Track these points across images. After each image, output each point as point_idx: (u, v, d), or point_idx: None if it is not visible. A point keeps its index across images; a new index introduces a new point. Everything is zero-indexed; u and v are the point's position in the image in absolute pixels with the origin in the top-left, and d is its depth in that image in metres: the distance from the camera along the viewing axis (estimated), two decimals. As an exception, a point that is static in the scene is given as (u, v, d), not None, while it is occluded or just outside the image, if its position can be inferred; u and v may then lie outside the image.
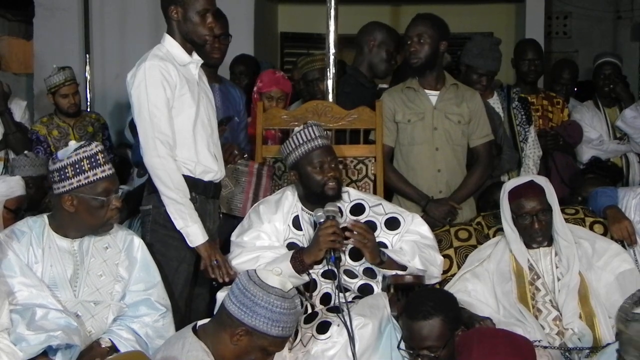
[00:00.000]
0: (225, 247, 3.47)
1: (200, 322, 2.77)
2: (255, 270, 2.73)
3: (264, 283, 2.64)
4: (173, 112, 3.24)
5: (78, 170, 2.96)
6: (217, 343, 2.65)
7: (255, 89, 4.52)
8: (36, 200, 4.28)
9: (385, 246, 3.39)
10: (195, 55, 3.37)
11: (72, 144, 3.05)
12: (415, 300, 2.95)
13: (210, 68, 3.86)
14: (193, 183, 3.29)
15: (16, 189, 3.82)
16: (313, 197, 3.39)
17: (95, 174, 2.97)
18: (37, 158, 4.39)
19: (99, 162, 2.98)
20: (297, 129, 3.45)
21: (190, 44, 3.32)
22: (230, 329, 2.64)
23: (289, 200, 3.46)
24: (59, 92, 4.98)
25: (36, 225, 3.09)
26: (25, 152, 4.48)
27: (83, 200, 2.99)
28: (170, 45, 3.31)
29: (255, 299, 2.61)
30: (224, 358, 2.65)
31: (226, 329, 2.64)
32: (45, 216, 3.15)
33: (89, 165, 2.96)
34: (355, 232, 3.24)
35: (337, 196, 3.38)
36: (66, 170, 2.97)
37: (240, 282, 2.67)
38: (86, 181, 2.97)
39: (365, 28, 4.53)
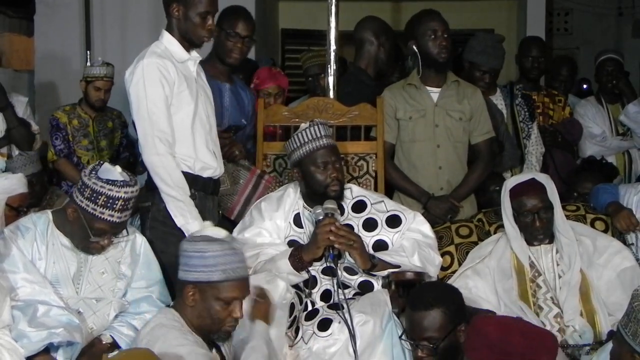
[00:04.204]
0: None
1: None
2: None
3: (192, 236, 2.69)
4: (172, 109, 3.24)
5: (93, 198, 2.96)
6: (183, 314, 2.69)
7: (252, 86, 4.52)
8: (39, 196, 4.29)
9: (386, 243, 3.39)
10: (193, 52, 3.37)
11: (118, 171, 3.03)
12: (419, 291, 2.97)
13: (225, 66, 3.87)
14: (192, 179, 3.29)
15: (18, 186, 3.81)
16: (315, 195, 3.39)
17: (102, 213, 2.97)
18: (34, 154, 4.40)
19: (114, 206, 2.96)
20: (303, 125, 3.43)
21: (187, 42, 3.32)
22: (183, 294, 2.68)
23: (290, 198, 3.46)
24: (93, 84, 5.03)
25: (40, 222, 3.09)
26: (19, 151, 4.49)
27: (79, 219, 3.01)
28: (169, 42, 3.31)
29: (187, 252, 2.66)
30: (192, 324, 2.68)
31: (181, 297, 2.69)
32: (49, 212, 3.15)
33: (103, 202, 2.96)
34: (340, 234, 3.20)
35: (339, 197, 3.38)
36: (86, 189, 2.98)
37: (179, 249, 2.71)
38: (92, 211, 2.97)
39: (365, 24, 4.50)
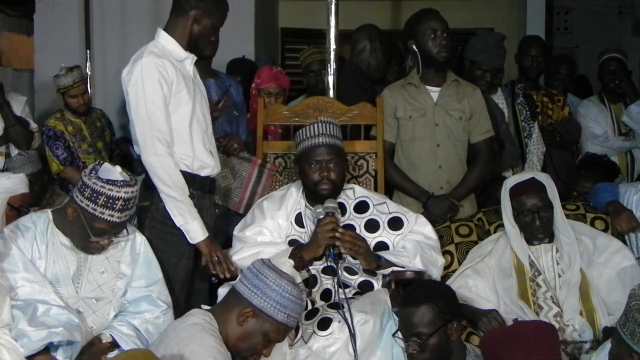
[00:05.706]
0: (222, 244, 3.47)
1: (203, 306, 2.83)
2: (269, 258, 2.81)
3: (278, 268, 2.73)
4: (170, 108, 3.23)
5: (93, 198, 2.96)
6: (223, 323, 2.71)
7: (253, 85, 4.51)
8: (38, 195, 4.29)
9: (387, 245, 3.39)
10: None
11: (118, 171, 3.03)
12: (411, 289, 2.99)
13: (203, 61, 3.84)
14: (190, 179, 3.29)
15: (20, 186, 3.82)
16: (310, 193, 3.39)
17: (102, 213, 2.97)
18: (33, 153, 4.41)
19: (114, 206, 2.96)
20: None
21: (190, 47, 3.31)
22: (237, 309, 2.71)
23: (293, 197, 3.47)
24: (68, 93, 5.03)
25: (40, 221, 3.09)
26: (19, 151, 4.50)
27: (79, 219, 3.01)
28: (166, 41, 3.30)
29: (268, 281, 2.70)
30: (227, 338, 2.70)
31: (233, 310, 2.71)
32: (49, 212, 3.15)
33: (103, 202, 2.96)
34: (346, 239, 3.22)
35: (330, 197, 3.37)
36: (86, 189, 2.98)
37: (254, 266, 2.75)
38: (92, 211, 2.98)
39: (362, 27, 4.56)
